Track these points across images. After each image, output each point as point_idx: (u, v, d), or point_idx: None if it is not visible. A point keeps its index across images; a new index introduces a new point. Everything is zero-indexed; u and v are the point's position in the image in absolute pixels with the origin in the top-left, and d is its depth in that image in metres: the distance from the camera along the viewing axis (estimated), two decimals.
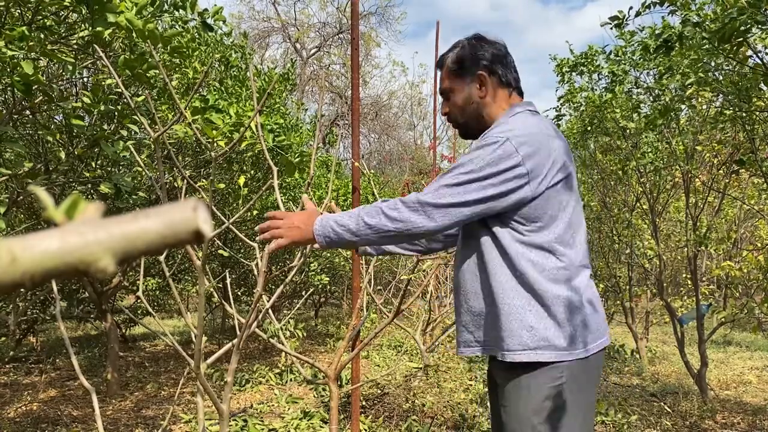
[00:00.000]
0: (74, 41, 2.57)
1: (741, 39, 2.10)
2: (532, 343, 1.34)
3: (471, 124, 1.53)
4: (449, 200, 1.31)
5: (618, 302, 5.76)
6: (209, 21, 2.84)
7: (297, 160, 3.40)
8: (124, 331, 6.95)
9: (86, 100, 2.72)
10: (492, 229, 1.39)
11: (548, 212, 1.35)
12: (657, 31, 2.42)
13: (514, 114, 1.45)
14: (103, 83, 2.92)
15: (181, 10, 2.69)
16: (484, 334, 1.45)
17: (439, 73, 1.58)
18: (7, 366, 5.45)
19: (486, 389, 4.17)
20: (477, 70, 1.48)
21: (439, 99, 1.65)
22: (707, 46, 2.66)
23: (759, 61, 2.66)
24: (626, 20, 2.43)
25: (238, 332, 1.81)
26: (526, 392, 1.35)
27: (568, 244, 1.38)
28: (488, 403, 1.63)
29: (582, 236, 1.43)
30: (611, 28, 2.44)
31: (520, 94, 1.54)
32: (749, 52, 2.58)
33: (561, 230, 1.37)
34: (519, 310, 1.36)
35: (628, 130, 4.29)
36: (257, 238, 1.37)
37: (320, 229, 1.38)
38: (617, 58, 4.22)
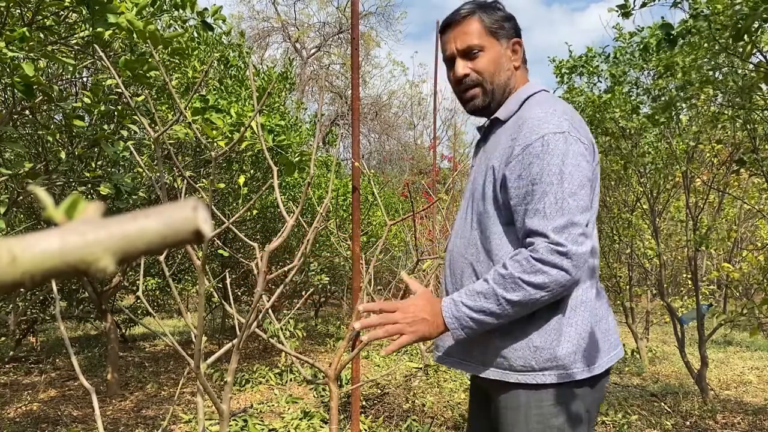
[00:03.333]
0: (74, 41, 2.57)
1: (753, 37, 2.10)
2: (537, 364, 1.17)
3: (497, 93, 1.31)
4: (578, 228, 1.12)
5: (618, 302, 5.76)
6: (209, 20, 2.84)
7: (297, 159, 3.40)
8: (124, 331, 6.95)
9: (86, 100, 2.72)
10: (505, 223, 1.22)
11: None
12: (661, 24, 2.43)
13: (536, 92, 1.30)
14: (103, 83, 2.92)
15: (180, 10, 2.69)
16: (473, 349, 1.26)
17: (451, 32, 1.32)
18: (7, 366, 5.45)
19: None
20: (515, 36, 1.34)
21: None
22: (706, 44, 2.66)
23: (762, 59, 2.66)
24: (632, 10, 2.44)
25: (238, 332, 1.81)
26: (525, 411, 1.18)
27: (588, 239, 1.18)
28: (471, 413, 1.42)
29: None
30: (619, 16, 2.45)
31: None
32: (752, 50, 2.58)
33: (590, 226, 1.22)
34: (524, 325, 1.18)
35: (628, 130, 4.30)
36: (363, 337, 1.15)
37: (454, 321, 1.17)
38: (616, 60, 4.22)
